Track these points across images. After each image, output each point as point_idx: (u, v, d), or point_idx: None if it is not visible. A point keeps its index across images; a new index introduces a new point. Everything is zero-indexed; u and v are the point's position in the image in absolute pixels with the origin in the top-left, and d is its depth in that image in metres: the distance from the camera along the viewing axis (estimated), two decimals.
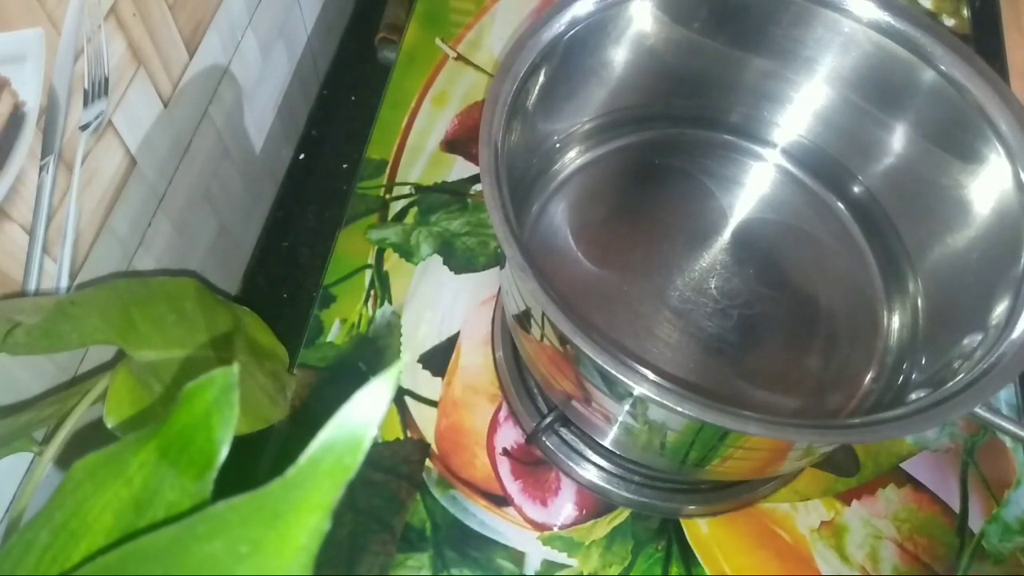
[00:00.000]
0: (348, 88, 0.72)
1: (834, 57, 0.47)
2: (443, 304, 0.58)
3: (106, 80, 0.41)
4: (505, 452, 0.53)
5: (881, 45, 0.45)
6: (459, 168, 0.64)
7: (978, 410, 0.34)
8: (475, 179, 0.63)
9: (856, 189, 0.51)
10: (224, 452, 0.22)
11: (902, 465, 0.53)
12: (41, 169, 0.37)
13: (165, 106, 0.48)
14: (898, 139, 0.48)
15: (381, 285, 0.59)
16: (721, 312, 0.48)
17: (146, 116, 0.46)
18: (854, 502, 0.51)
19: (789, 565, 0.49)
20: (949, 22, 0.73)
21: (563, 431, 0.51)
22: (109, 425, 0.33)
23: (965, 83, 0.42)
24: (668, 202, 0.52)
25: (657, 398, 0.32)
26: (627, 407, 0.39)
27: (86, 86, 0.39)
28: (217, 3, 0.52)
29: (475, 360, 0.56)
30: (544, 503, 0.51)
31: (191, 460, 0.23)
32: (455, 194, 0.62)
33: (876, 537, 0.50)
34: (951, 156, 0.44)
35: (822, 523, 0.51)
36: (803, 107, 0.51)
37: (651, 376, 0.33)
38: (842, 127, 0.50)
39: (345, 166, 0.66)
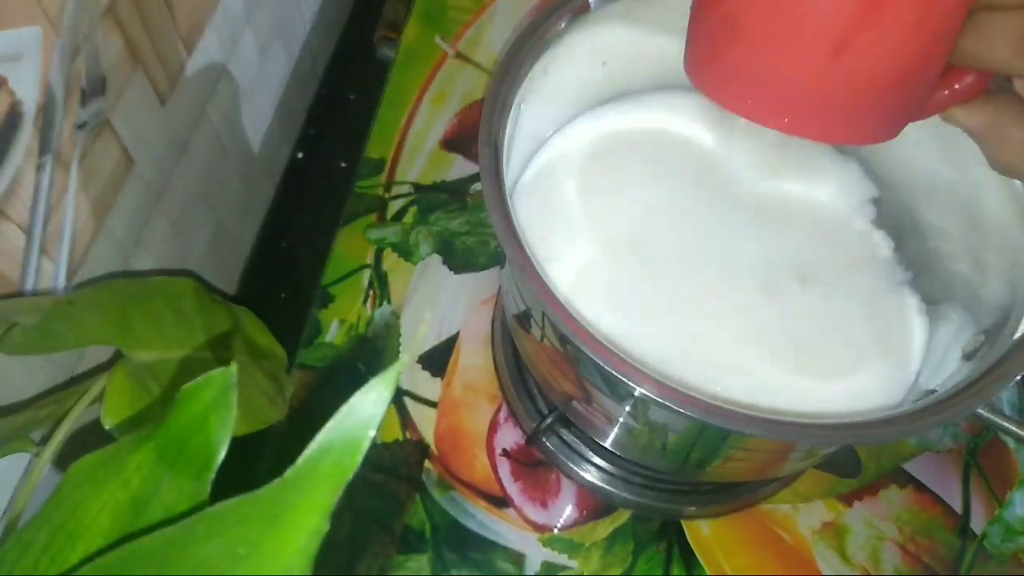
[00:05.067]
0: (347, 87, 0.72)
1: None
2: (443, 304, 0.58)
3: (104, 79, 0.41)
4: (505, 453, 0.52)
5: None
6: (458, 167, 0.64)
7: (980, 411, 0.34)
8: (475, 178, 0.63)
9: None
10: (222, 453, 0.22)
11: (904, 466, 0.53)
12: (38, 168, 0.37)
13: (163, 105, 0.47)
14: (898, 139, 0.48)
15: (380, 285, 0.58)
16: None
17: (144, 115, 0.46)
18: (855, 503, 0.51)
19: (790, 566, 0.49)
20: None
21: (563, 432, 0.51)
22: (107, 426, 0.33)
23: None
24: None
25: (658, 398, 0.32)
26: (628, 408, 0.39)
27: (83, 85, 0.39)
28: (215, 1, 0.52)
29: (475, 360, 0.56)
30: (544, 504, 0.51)
31: (189, 461, 0.23)
32: (454, 193, 0.62)
33: (878, 538, 0.50)
34: (952, 156, 0.44)
35: (823, 524, 0.51)
36: None
37: (652, 376, 0.33)
38: None
39: (344, 165, 0.66)
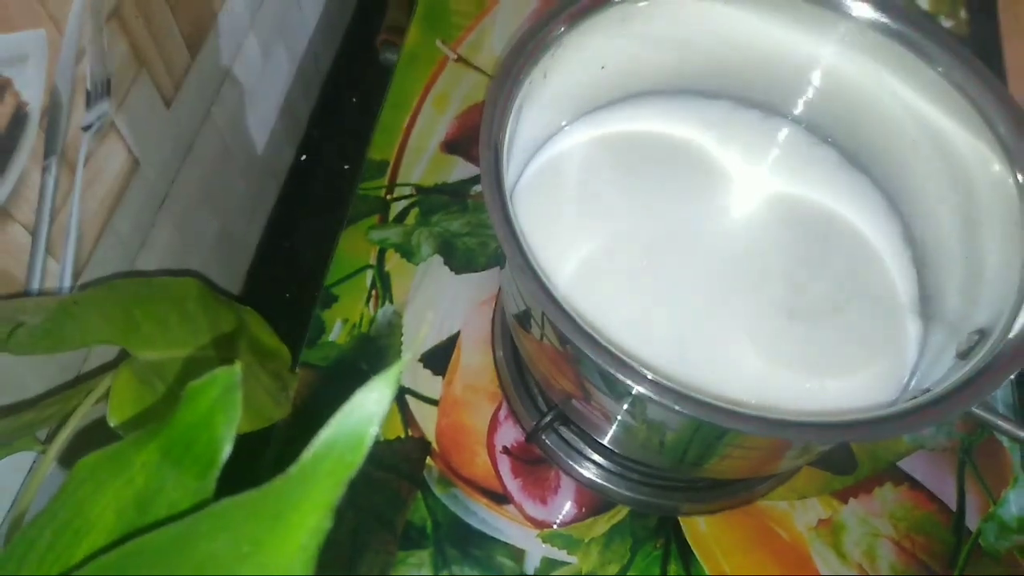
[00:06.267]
0: (349, 89, 0.73)
1: (831, 58, 0.48)
2: (444, 304, 0.58)
3: (108, 81, 0.41)
4: (505, 450, 0.53)
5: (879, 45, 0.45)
6: (460, 169, 0.64)
7: (975, 409, 0.34)
8: (475, 180, 0.63)
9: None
10: (227, 451, 0.22)
11: (899, 463, 0.53)
12: (44, 170, 0.38)
13: (168, 107, 0.48)
14: (897, 138, 0.48)
15: (382, 285, 0.59)
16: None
17: (148, 117, 0.46)
18: (851, 500, 0.52)
19: (787, 563, 0.50)
20: (947, 23, 0.73)
21: (563, 430, 0.52)
22: (112, 424, 0.33)
23: (963, 84, 0.42)
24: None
25: (656, 397, 0.32)
26: (626, 406, 0.39)
27: (88, 87, 0.40)
28: (219, 4, 0.52)
29: (475, 359, 0.56)
30: (544, 501, 0.51)
31: (194, 459, 0.23)
32: (456, 195, 0.63)
33: (873, 535, 0.50)
34: (950, 157, 0.44)
35: (819, 521, 0.51)
36: (799, 111, 0.51)
37: (650, 375, 0.33)
38: (840, 125, 0.50)
39: (346, 167, 0.66)
